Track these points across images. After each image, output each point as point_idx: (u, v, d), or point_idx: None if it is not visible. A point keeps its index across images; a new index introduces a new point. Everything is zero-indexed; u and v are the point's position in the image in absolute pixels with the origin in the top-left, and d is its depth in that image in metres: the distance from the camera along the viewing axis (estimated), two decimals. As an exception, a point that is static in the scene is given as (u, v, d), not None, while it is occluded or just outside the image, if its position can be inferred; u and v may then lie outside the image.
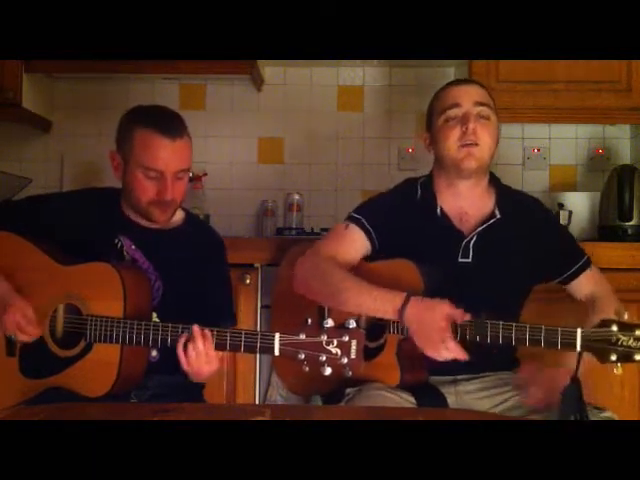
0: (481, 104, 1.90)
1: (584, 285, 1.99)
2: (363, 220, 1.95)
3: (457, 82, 2.01)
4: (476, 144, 1.87)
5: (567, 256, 1.99)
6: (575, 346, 1.62)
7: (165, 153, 1.79)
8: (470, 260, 1.89)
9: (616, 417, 1.76)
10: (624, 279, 2.42)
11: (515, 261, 1.91)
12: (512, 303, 1.92)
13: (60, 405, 1.62)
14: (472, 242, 1.90)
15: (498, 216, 1.92)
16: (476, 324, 1.70)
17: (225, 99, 3.10)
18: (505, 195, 1.98)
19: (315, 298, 1.89)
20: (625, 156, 3.02)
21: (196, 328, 1.67)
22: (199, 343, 1.67)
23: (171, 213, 1.87)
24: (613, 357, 1.57)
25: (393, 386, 1.82)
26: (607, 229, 2.73)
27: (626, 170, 2.73)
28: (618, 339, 1.56)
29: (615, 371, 1.58)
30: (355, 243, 1.94)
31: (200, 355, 1.67)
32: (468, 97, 1.90)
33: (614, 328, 1.57)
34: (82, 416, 1.43)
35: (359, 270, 1.89)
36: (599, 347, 1.59)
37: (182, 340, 1.69)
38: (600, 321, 1.61)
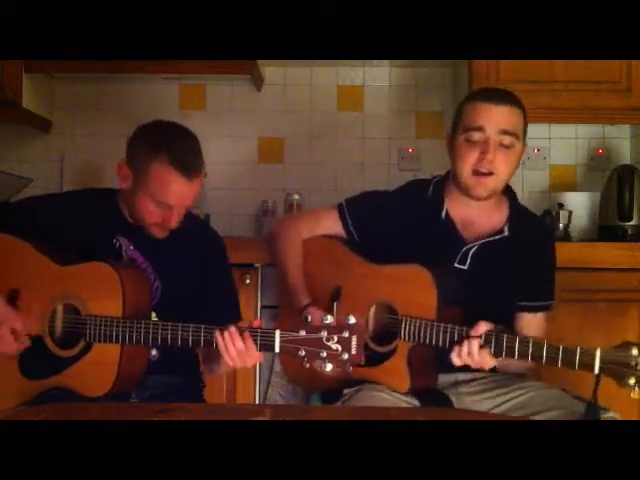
0: (506, 132, 1.82)
1: (531, 325, 1.92)
2: (346, 210, 2.01)
3: (489, 98, 1.86)
4: (491, 173, 1.84)
5: (538, 288, 1.94)
6: (593, 367, 1.59)
7: (180, 192, 1.77)
8: (466, 267, 1.89)
9: (619, 417, 1.76)
10: (624, 279, 2.42)
11: (509, 278, 1.90)
12: (501, 316, 1.83)
13: (60, 405, 1.62)
14: (472, 250, 1.89)
15: (506, 234, 1.91)
16: (492, 337, 1.69)
17: (225, 99, 3.10)
18: (518, 214, 1.95)
19: (269, 253, 2.11)
20: (625, 156, 3.02)
21: (233, 329, 1.67)
22: (239, 343, 1.67)
23: (169, 231, 1.87)
24: (631, 381, 1.54)
25: (401, 393, 1.81)
26: (607, 229, 2.73)
27: (626, 170, 2.73)
28: (637, 363, 1.53)
29: (632, 395, 1.55)
30: (328, 227, 2.02)
31: (242, 355, 1.67)
32: (494, 122, 1.82)
33: (634, 352, 1.54)
34: (82, 416, 1.43)
35: (372, 274, 1.89)
36: (617, 370, 1.56)
37: (220, 339, 1.68)
38: (621, 343, 1.58)
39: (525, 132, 1.90)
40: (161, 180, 1.76)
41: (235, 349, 1.67)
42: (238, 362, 1.69)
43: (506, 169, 1.86)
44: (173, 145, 1.77)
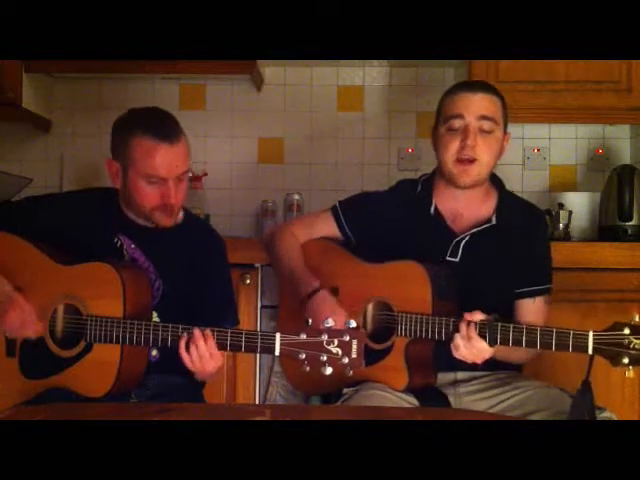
0: (485, 118, 1.87)
1: (531, 311, 1.92)
2: (340, 212, 2.03)
3: (467, 88, 1.93)
4: (473, 160, 1.87)
5: (534, 273, 1.95)
6: (587, 349, 1.61)
7: (165, 159, 1.77)
8: (457, 260, 1.90)
9: (615, 417, 1.76)
10: (624, 279, 2.42)
11: (501, 266, 1.91)
12: (497, 305, 1.84)
13: (60, 405, 1.62)
14: (463, 242, 1.91)
15: (494, 222, 1.93)
16: (486, 326, 1.70)
17: (225, 99, 3.10)
18: (506, 202, 1.97)
19: (270, 261, 2.15)
20: (625, 156, 3.01)
21: (196, 331, 1.68)
22: (200, 343, 1.67)
23: (176, 216, 1.87)
24: (625, 360, 1.56)
25: (398, 390, 1.82)
26: (607, 229, 2.73)
27: (626, 170, 2.73)
28: (630, 342, 1.56)
29: (627, 374, 1.57)
30: (323, 230, 2.03)
31: (203, 356, 1.68)
32: (473, 109, 1.87)
33: (626, 331, 1.56)
34: (82, 416, 1.43)
35: (367, 273, 1.89)
36: (611, 350, 1.58)
37: (183, 342, 1.69)
38: (612, 324, 1.60)
39: (506, 121, 1.94)
40: (145, 154, 1.77)
41: (196, 351, 1.67)
42: (197, 365, 1.69)
43: (488, 155, 1.89)
44: (146, 118, 1.82)
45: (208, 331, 1.68)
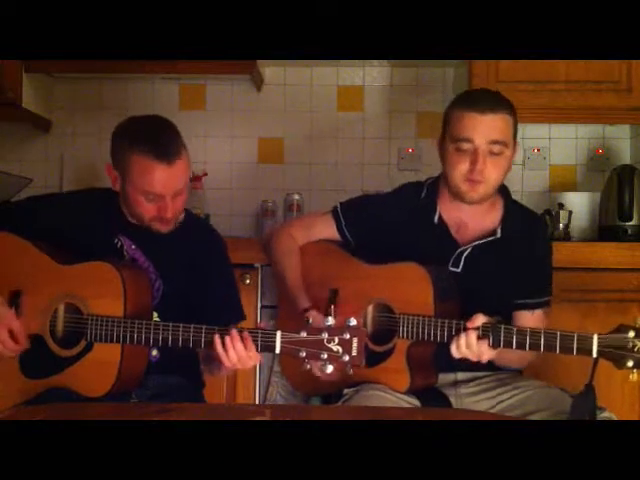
0: (495, 142, 1.82)
1: (530, 323, 1.88)
2: (340, 214, 2.01)
3: (475, 107, 1.84)
4: (482, 181, 1.84)
5: (534, 286, 1.94)
6: (591, 352, 1.61)
7: (163, 178, 1.76)
8: (459, 270, 1.89)
9: (614, 417, 1.76)
10: (624, 279, 2.42)
11: (503, 279, 1.90)
12: (497, 316, 1.82)
13: (60, 405, 1.62)
14: (465, 253, 1.90)
15: (499, 236, 1.91)
16: (490, 327, 1.70)
17: (225, 99, 3.10)
18: (512, 214, 1.95)
19: (269, 261, 2.15)
20: (625, 156, 3.01)
21: (235, 332, 1.67)
22: (239, 346, 1.67)
23: (173, 224, 1.87)
24: (630, 363, 1.57)
25: (400, 392, 1.81)
26: (607, 229, 2.73)
27: (626, 170, 2.73)
28: (635, 345, 1.56)
29: (630, 377, 1.58)
30: (323, 232, 2.02)
31: (242, 357, 1.68)
32: (482, 132, 1.82)
33: (631, 334, 1.57)
34: (82, 416, 1.43)
35: (368, 274, 1.89)
36: (615, 353, 1.58)
37: (219, 343, 1.68)
38: (617, 326, 1.60)
39: (515, 133, 1.90)
40: (142, 172, 1.76)
41: (236, 353, 1.67)
42: (238, 365, 1.70)
43: (497, 175, 1.86)
44: (145, 135, 1.79)
45: (246, 333, 1.67)
